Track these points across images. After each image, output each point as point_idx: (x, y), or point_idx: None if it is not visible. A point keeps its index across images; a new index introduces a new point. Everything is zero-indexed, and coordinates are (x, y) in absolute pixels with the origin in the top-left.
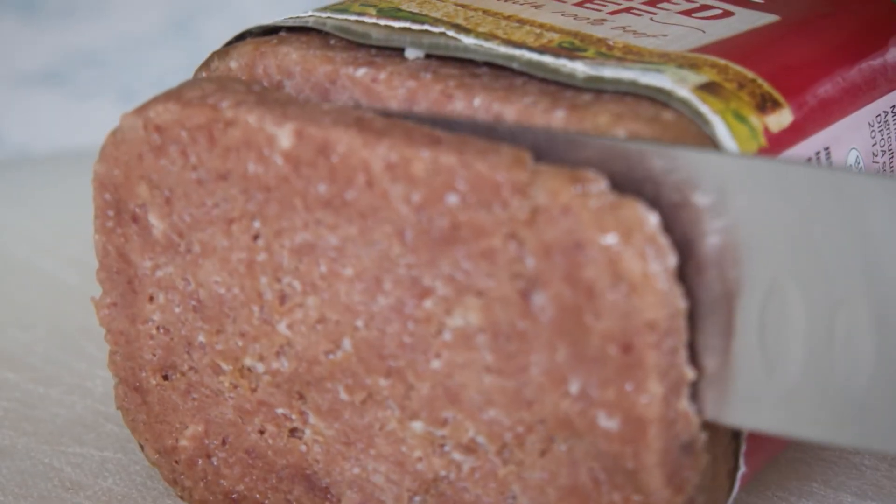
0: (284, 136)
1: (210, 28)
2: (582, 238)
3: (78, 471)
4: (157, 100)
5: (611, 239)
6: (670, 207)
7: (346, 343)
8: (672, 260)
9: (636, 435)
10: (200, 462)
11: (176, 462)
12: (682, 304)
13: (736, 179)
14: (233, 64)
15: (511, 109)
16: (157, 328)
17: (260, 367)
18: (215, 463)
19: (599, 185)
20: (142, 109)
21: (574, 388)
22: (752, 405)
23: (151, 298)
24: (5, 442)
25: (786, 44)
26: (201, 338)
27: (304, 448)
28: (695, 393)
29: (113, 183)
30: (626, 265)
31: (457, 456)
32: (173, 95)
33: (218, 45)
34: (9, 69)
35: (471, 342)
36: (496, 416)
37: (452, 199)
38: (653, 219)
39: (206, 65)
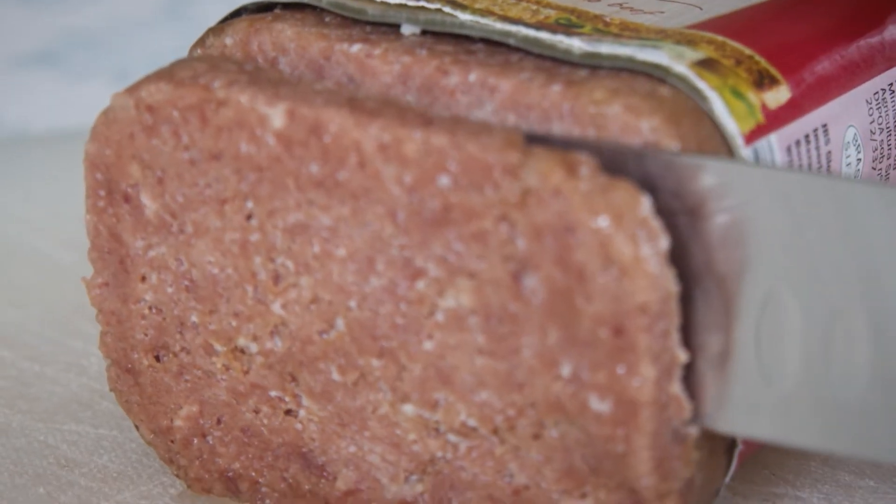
0: (276, 116)
1: (205, 9)
2: (573, 221)
3: (73, 448)
4: (148, 79)
5: (602, 222)
6: (666, 214)
7: (340, 323)
8: (664, 243)
9: (628, 417)
10: (196, 441)
11: (171, 441)
12: (673, 286)
13: (731, 186)
14: (228, 40)
15: (507, 84)
16: (150, 308)
17: (253, 347)
18: (210, 442)
19: (591, 167)
20: (133, 89)
21: (566, 370)
22: (748, 413)
23: (143, 278)
24: (0, 420)
25: (783, 20)
26: (194, 318)
27: (299, 426)
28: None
29: (104, 162)
30: (617, 248)
31: (452, 438)
32: (165, 75)
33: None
34: (4, 50)
35: (463, 324)
36: (488, 399)
37: (444, 181)
38: (645, 201)
39: (201, 41)
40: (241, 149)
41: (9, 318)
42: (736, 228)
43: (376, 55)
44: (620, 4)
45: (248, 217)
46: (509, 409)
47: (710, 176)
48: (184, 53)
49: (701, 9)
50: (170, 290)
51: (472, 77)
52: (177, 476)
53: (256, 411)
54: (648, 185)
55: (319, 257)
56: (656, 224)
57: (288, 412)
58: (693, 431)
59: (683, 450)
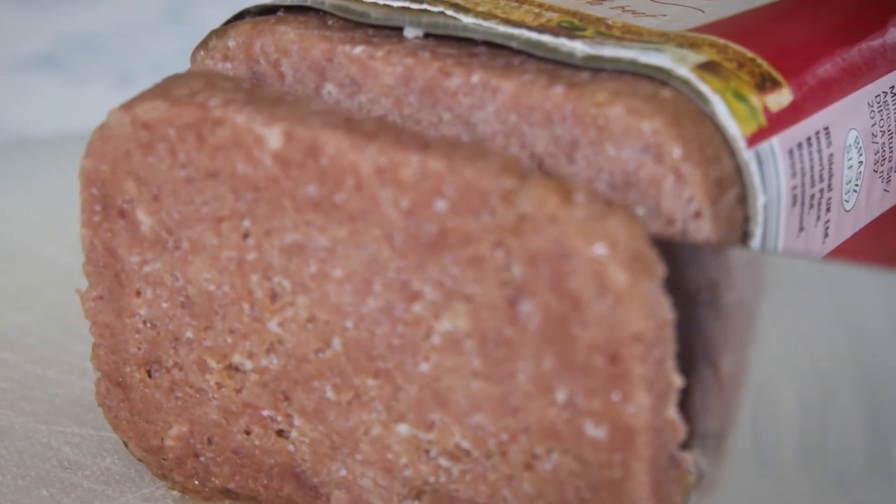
0: (273, 137)
1: (207, 12)
2: (568, 248)
3: (76, 450)
4: (144, 96)
5: (597, 249)
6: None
7: (336, 342)
8: (660, 271)
9: (624, 443)
10: (189, 462)
11: (164, 460)
12: (668, 314)
13: (727, 273)
14: (231, 43)
15: (509, 86)
16: (144, 322)
17: (248, 365)
18: (204, 461)
19: (587, 194)
20: (129, 106)
21: (560, 396)
22: (743, 496)
23: (138, 293)
24: (3, 422)
25: (785, 24)
26: (189, 333)
27: (291, 448)
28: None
29: (100, 178)
30: (612, 276)
31: (443, 462)
32: (161, 92)
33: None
34: (6, 54)
35: (459, 347)
36: (482, 422)
37: (441, 205)
38: (641, 229)
39: (203, 44)
40: (238, 168)
41: (11, 321)
42: (733, 314)
43: (379, 57)
44: (622, 7)
45: (245, 236)
46: (503, 433)
47: (709, 264)
48: (185, 56)
49: (703, 12)
50: (165, 305)
51: (475, 79)
52: (172, 489)
53: (248, 432)
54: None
55: (316, 277)
56: (651, 252)
57: (280, 433)
58: (688, 457)
59: (679, 473)
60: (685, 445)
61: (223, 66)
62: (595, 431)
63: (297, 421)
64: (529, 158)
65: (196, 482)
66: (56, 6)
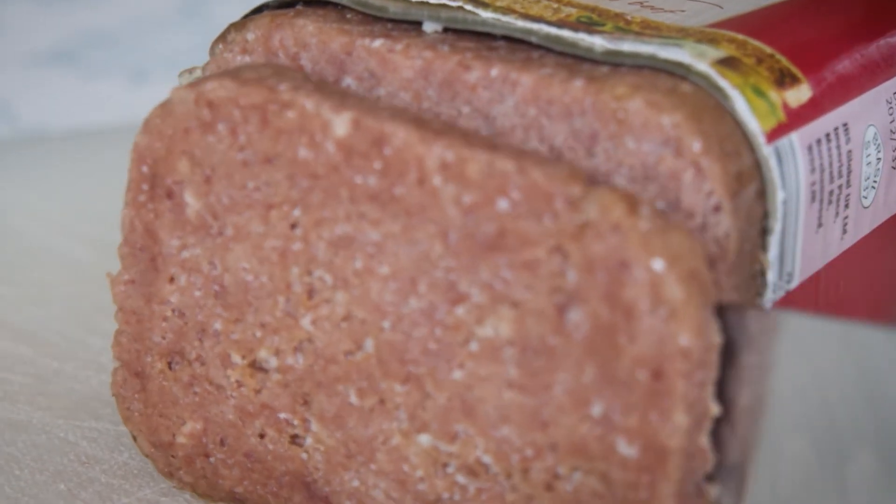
0: (341, 124)
1: (221, 8)
2: (628, 257)
3: (94, 445)
4: (212, 77)
5: (657, 263)
6: None
7: (369, 344)
8: (712, 295)
9: (655, 464)
10: (199, 461)
11: (173, 457)
12: (717, 338)
13: (743, 332)
14: (249, 36)
15: (528, 79)
16: (173, 310)
17: (273, 362)
18: (213, 462)
19: (652, 208)
20: (195, 84)
21: (596, 410)
22: None
23: (172, 279)
24: (21, 416)
25: (804, 19)
26: (217, 325)
27: (304, 456)
28: None
29: (152, 156)
30: (670, 291)
31: (460, 478)
32: (229, 74)
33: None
34: (22, 49)
35: (497, 355)
36: (508, 435)
37: (503, 205)
38: (700, 248)
39: (222, 37)
40: (299, 154)
41: (29, 315)
42: (754, 371)
43: (398, 50)
44: (641, 3)
45: (293, 226)
46: (528, 449)
47: (733, 322)
48: (200, 52)
49: (721, 7)
50: (197, 293)
51: (494, 72)
52: (177, 488)
53: (262, 435)
54: None
55: (360, 273)
56: (708, 273)
57: (294, 438)
58: (714, 491)
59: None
60: (710, 477)
61: (242, 60)
62: (627, 449)
63: (314, 426)
64: (548, 152)
65: (204, 483)
66: (71, 1)
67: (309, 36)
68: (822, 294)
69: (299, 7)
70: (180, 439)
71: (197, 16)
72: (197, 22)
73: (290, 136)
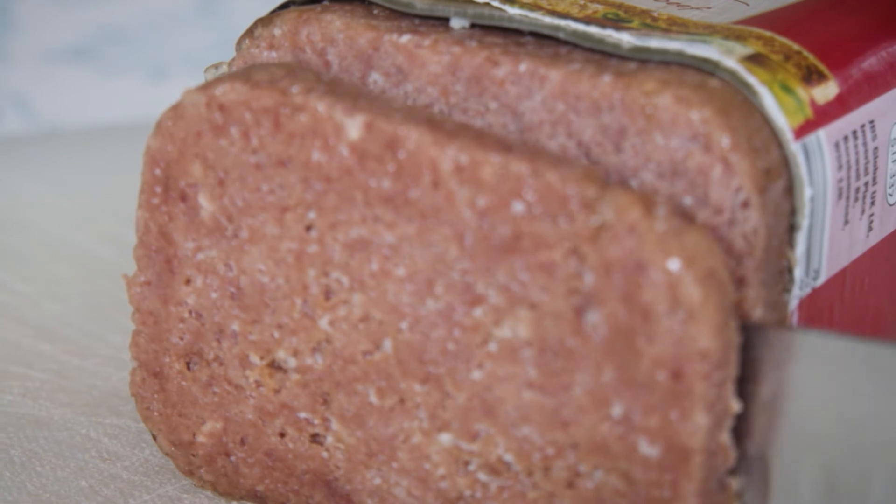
0: (354, 127)
1: (240, 5)
2: (645, 259)
3: (115, 441)
4: (222, 79)
5: (674, 264)
6: None
7: (387, 344)
8: (731, 295)
9: (677, 463)
10: (220, 460)
11: (193, 456)
12: (736, 337)
13: (765, 350)
14: (276, 31)
15: (557, 74)
16: (190, 312)
17: (291, 362)
18: (234, 461)
19: (668, 209)
20: (206, 87)
21: (616, 411)
22: None
23: (188, 281)
24: (42, 413)
25: (830, 16)
26: (235, 326)
27: (325, 454)
28: None
29: (165, 159)
30: (687, 292)
31: (482, 476)
32: (241, 76)
33: (247, 23)
34: (41, 45)
35: (516, 355)
36: (529, 434)
37: (518, 208)
38: (717, 248)
39: (249, 32)
40: (312, 157)
41: (49, 311)
42: (771, 393)
43: (426, 45)
44: (667, 0)
45: (309, 228)
46: (549, 448)
47: (751, 346)
48: (219, 49)
49: (747, 4)
50: (214, 295)
51: (523, 67)
52: (198, 487)
53: (282, 434)
54: None
55: (377, 275)
56: (725, 273)
57: (314, 437)
58: (736, 483)
59: (725, 499)
60: (732, 471)
61: (268, 55)
62: (649, 449)
63: (334, 425)
64: (577, 147)
65: (224, 481)
66: None
67: (336, 31)
68: (848, 291)
69: (326, 3)
70: (200, 438)
71: (215, 12)
72: (215, 19)
73: (302, 140)
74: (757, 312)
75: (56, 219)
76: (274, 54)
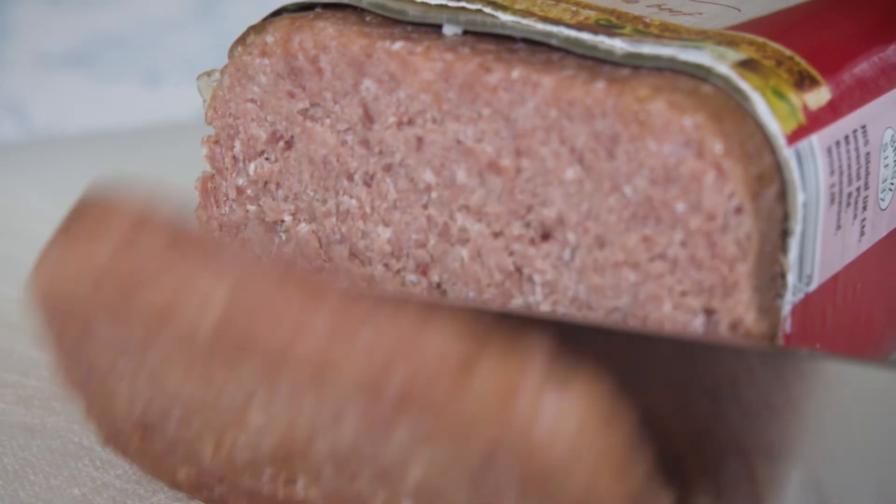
0: None
1: (236, 10)
2: None
3: (108, 450)
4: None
5: None
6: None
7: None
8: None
9: None
10: (204, 492)
11: (178, 488)
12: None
13: (748, 370)
14: (269, 38)
15: (549, 80)
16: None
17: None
18: (218, 493)
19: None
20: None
21: None
22: None
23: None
24: (35, 421)
25: (822, 22)
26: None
27: (302, 493)
28: None
29: None
30: None
31: None
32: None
33: (244, 28)
34: (35, 51)
35: None
36: None
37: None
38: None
39: (241, 39)
40: None
41: None
42: (759, 409)
43: (418, 52)
44: (659, 6)
45: None
46: None
47: (728, 360)
48: (214, 55)
49: (739, 10)
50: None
51: (515, 74)
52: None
53: (256, 478)
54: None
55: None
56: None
57: (288, 482)
58: None
59: None
60: None
61: (261, 62)
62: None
63: (301, 481)
64: (569, 154)
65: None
66: (86, 4)
67: (329, 38)
68: (840, 296)
69: (318, 10)
70: (180, 477)
71: (211, 18)
72: (211, 24)
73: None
74: (749, 318)
75: (50, 225)
76: (266, 61)
